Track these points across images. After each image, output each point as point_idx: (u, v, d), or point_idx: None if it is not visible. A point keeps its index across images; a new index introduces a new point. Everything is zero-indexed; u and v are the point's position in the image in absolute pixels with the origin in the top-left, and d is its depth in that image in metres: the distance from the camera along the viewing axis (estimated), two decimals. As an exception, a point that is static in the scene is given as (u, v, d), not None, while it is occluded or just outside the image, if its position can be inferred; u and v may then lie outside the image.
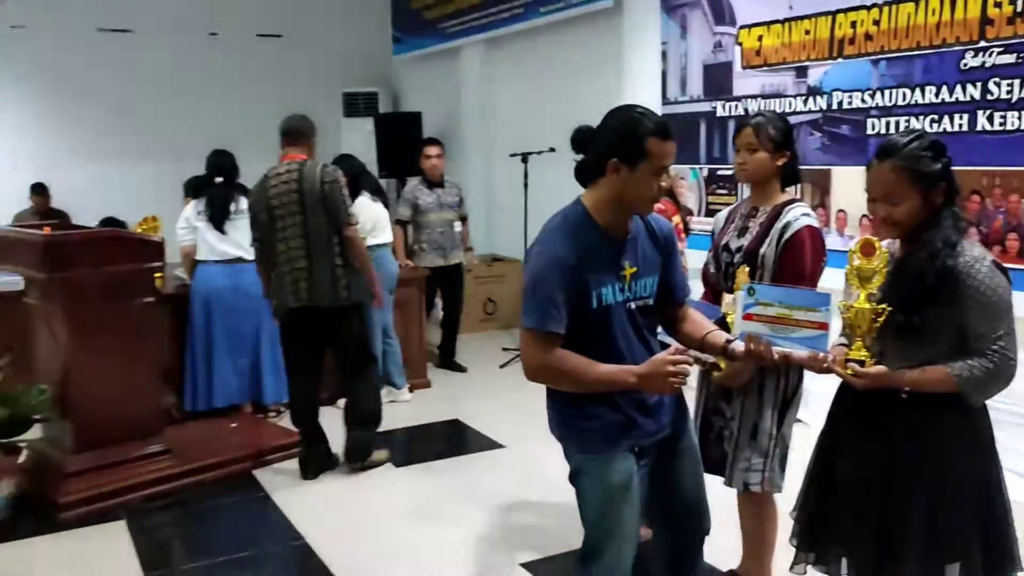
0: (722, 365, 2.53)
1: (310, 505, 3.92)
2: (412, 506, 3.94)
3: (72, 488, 3.83)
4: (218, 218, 4.90)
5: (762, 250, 2.58)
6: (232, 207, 4.93)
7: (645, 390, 2.15)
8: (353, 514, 3.87)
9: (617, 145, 2.10)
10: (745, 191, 3.20)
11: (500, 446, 4.67)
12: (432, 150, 6.09)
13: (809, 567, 2.39)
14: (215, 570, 3.41)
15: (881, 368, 2.08)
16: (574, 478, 2.30)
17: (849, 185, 4.43)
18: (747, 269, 2.54)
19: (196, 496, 4.04)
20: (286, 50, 9.62)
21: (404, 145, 8.64)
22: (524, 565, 3.31)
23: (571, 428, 2.26)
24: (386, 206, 5.48)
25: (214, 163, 5.04)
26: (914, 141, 2.11)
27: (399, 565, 3.37)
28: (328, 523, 3.74)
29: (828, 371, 2.18)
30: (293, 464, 4.34)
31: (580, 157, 2.37)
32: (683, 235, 3.35)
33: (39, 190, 8.18)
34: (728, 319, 2.51)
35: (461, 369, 6.20)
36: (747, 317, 2.27)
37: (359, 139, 9.32)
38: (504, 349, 6.65)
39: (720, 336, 2.29)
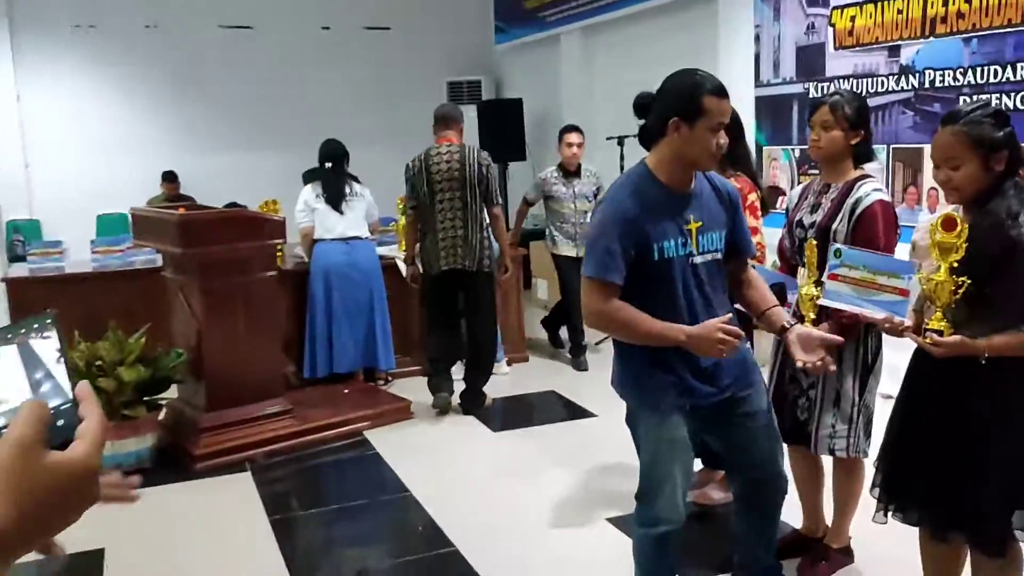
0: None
1: (415, 463, 4.26)
2: (508, 467, 4.23)
3: (205, 442, 4.28)
4: (335, 200, 5.29)
5: (834, 225, 2.73)
6: (347, 190, 5.32)
7: (692, 350, 2.30)
8: (454, 472, 4.19)
9: (677, 105, 2.28)
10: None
11: (592, 415, 4.91)
12: (573, 137, 5.82)
13: (889, 516, 2.54)
14: (331, 516, 3.79)
15: (958, 337, 2.17)
16: (630, 425, 2.53)
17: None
18: (815, 243, 2.68)
19: (313, 452, 4.44)
20: (393, 42, 10.03)
21: (506, 131, 8.96)
22: (609, 520, 3.55)
23: (628, 384, 2.49)
24: None
25: (325, 151, 5.44)
26: (978, 109, 2.24)
27: (495, 517, 3.66)
28: (432, 480, 4.06)
29: (902, 336, 2.33)
30: (401, 427, 4.72)
31: (642, 122, 2.51)
32: (758, 213, 3.49)
33: (169, 177, 8.83)
34: (803, 291, 2.67)
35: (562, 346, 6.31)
36: (832, 277, 2.45)
37: (463, 125, 9.67)
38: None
39: (780, 317, 2.47)
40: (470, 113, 9.46)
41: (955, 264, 2.18)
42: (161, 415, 4.44)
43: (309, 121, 9.26)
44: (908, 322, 2.30)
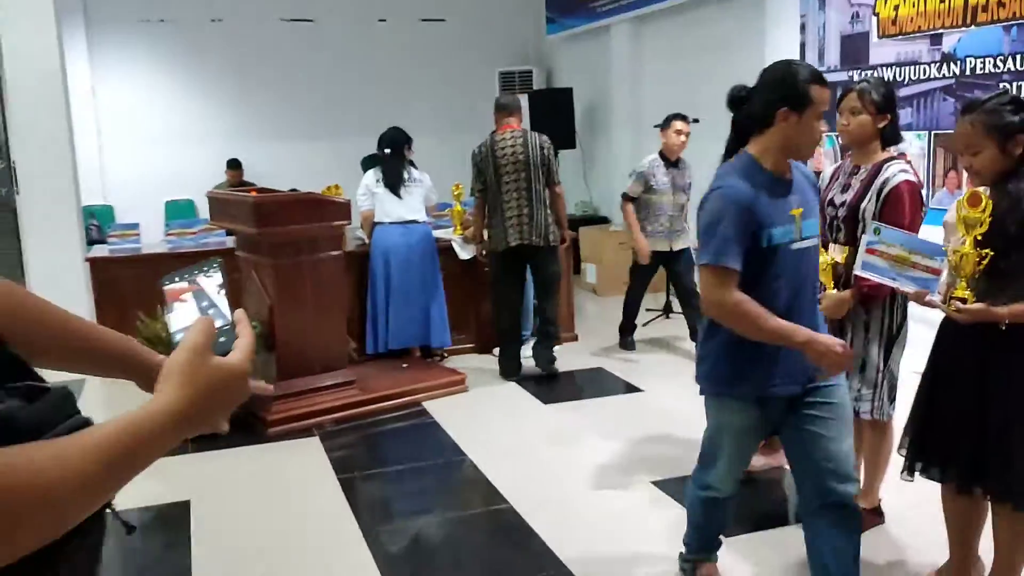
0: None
1: (471, 430, 4.54)
2: (557, 435, 4.50)
3: (277, 409, 4.60)
4: (394, 185, 5.58)
5: (863, 204, 2.93)
6: (405, 176, 5.60)
7: (807, 355, 2.29)
8: (507, 439, 4.46)
9: (785, 95, 2.31)
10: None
11: (639, 390, 5.14)
12: (680, 125, 5.67)
13: (916, 475, 2.74)
14: (393, 476, 4.10)
15: (981, 305, 2.39)
16: (705, 394, 2.62)
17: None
18: (846, 201, 2.89)
19: (375, 420, 4.74)
20: (447, 33, 10.30)
21: (556, 120, 9.18)
22: (653, 482, 3.79)
23: (712, 360, 2.53)
24: None
25: (387, 138, 5.72)
26: (994, 98, 2.44)
27: (545, 479, 3.92)
28: (486, 445, 4.33)
29: (929, 305, 2.54)
30: (456, 398, 5.01)
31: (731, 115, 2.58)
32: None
33: (233, 164, 9.23)
34: (824, 259, 2.89)
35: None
36: (870, 251, 2.65)
37: (514, 114, 9.92)
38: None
39: None
40: (522, 102, 9.75)
41: (979, 237, 2.39)
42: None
43: (366, 110, 9.61)
44: (937, 297, 2.50)
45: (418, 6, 10.20)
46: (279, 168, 9.20)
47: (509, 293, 5.41)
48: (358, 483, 3.98)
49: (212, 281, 1.07)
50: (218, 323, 1.01)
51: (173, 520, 3.59)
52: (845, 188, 3.03)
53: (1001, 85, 4.47)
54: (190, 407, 0.91)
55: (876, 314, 2.95)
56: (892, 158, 2.97)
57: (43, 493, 0.76)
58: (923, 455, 2.72)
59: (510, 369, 5.44)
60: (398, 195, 5.56)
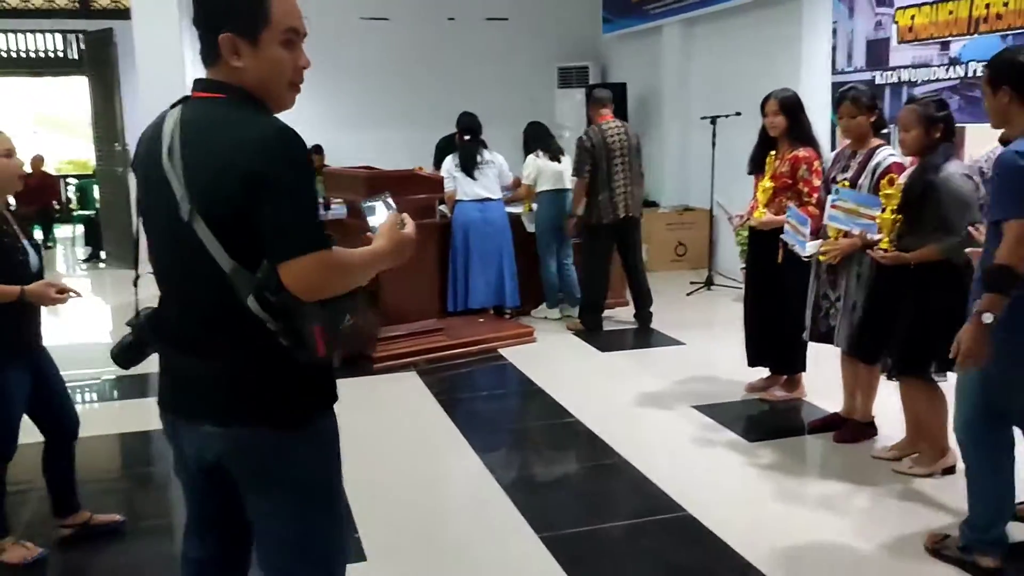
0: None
1: (539, 369, 5.46)
2: (612, 373, 5.42)
3: (382, 348, 5.57)
4: (468, 168, 6.50)
5: (860, 181, 3.80)
6: (479, 159, 6.52)
7: None
8: (570, 376, 5.38)
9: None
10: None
11: (681, 343, 6.04)
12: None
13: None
14: (480, 400, 5.11)
15: (894, 252, 3.41)
16: None
17: (980, 139, 5.37)
18: (848, 180, 3.79)
19: (461, 361, 5.70)
20: (510, 31, 11.21)
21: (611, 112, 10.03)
22: (694, 407, 4.68)
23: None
24: (557, 161, 6.72)
25: (464, 124, 6.65)
26: (929, 96, 3.36)
27: (603, 403, 4.82)
28: (551, 378, 5.26)
29: (868, 247, 3.50)
30: (526, 346, 5.96)
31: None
32: (820, 175, 4.49)
33: (317, 150, 10.22)
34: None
35: None
36: (833, 207, 3.64)
37: (571, 108, 10.81)
38: (691, 283, 7.92)
39: None
40: (577, 96, 10.65)
41: (894, 207, 3.40)
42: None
43: (435, 101, 10.57)
44: (877, 236, 3.43)
45: (483, 6, 11.11)
46: (357, 152, 10.12)
47: (605, 265, 6.43)
48: (453, 404, 4.92)
49: (389, 199, 2.00)
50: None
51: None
52: (845, 168, 3.90)
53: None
54: (390, 248, 1.83)
55: (866, 266, 3.80)
56: (882, 144, 3.84)
57: (354, 269, 1.74)
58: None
59: (594, 323, 6.41)
60: (473, 177, 6.48)
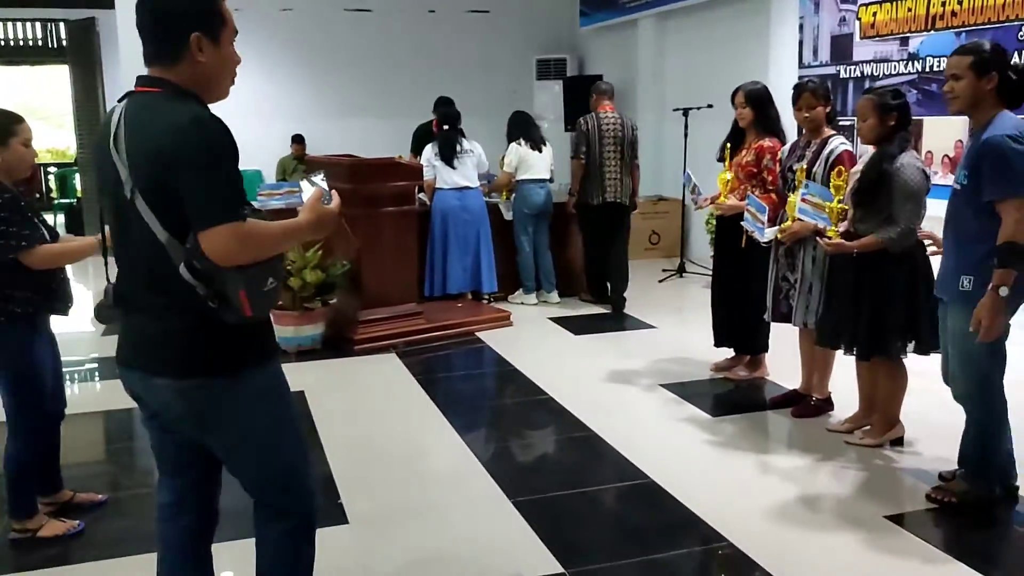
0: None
1: (515, 350, 5.67)
2: (585, 354, 5.64)
3: (362, 331, 5.75)
4: (448, 158, 6.68)
5: (814, 169, 4.02)
6: (458, 148, 6.70)
7: None
8: (544, 356, 5.59)
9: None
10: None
11: (652, 327, 6.26)
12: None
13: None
14: (458, 379, 5.31)
15: (838, 241, 3.62)
16: None
17: (936, 131, 5.63)
18: (804, 167, 4.00)
19: (439, 344, 5.89)
20: (490, 23, 11.39)
21: (588, 104, 10.21)
22: (662, 385, 4.90)
23: None
24: (539, 151, 6.95)
25: (442, 112, 6.83)
26: (884, 87, 3.56)
27: (575, 380, 5.03)
28: (526, 358, 5.47)
29: (819, 234, 3.76)
30: (503, 330, 6.17)
31: None
32: None
33: (298, 139, 10.37)
34: (787, 211, 4.05)
35: None
36: (803, 200, 3.80)
37: (549, 98, 11.01)
38: (664, 270, 8.15)
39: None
40: (555, 87, 10.85)
41: (841, 197, 3.62)
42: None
43: (416, 92, 10.66)
44: (828, 229, 3.69)
45: (464, -1, 11.31)
46: (338, 142, 10.24)
47: (598, 243, 6.79)
48: (433, 383, 5.12)
49: (320, 177, 2.22)
50: (325, 191, 2.17)
51: (296, 404, 4.73)
52: (800, 158, 4.12)
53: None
54: (310, 220, 2.07)
55: (821, 249, 4.03)
56: (833, 134, 4.06)
57: (269, 239, 1.94)
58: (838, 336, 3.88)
59: (599, 293, 6.94)
60: (452, 166, 6.66)
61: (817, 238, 3.81)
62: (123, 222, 2.00)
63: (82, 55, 9.92)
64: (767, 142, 4.55)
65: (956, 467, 3.43)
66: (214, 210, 1.87)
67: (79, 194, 11.35)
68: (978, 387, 3.23)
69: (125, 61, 8.06)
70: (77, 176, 11.50)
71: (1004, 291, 2.92)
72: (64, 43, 10.24)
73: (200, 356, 2.00)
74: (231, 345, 2.01)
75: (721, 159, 4.74)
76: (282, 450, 2.15)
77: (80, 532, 3.23)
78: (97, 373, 5.45)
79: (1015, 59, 5.08)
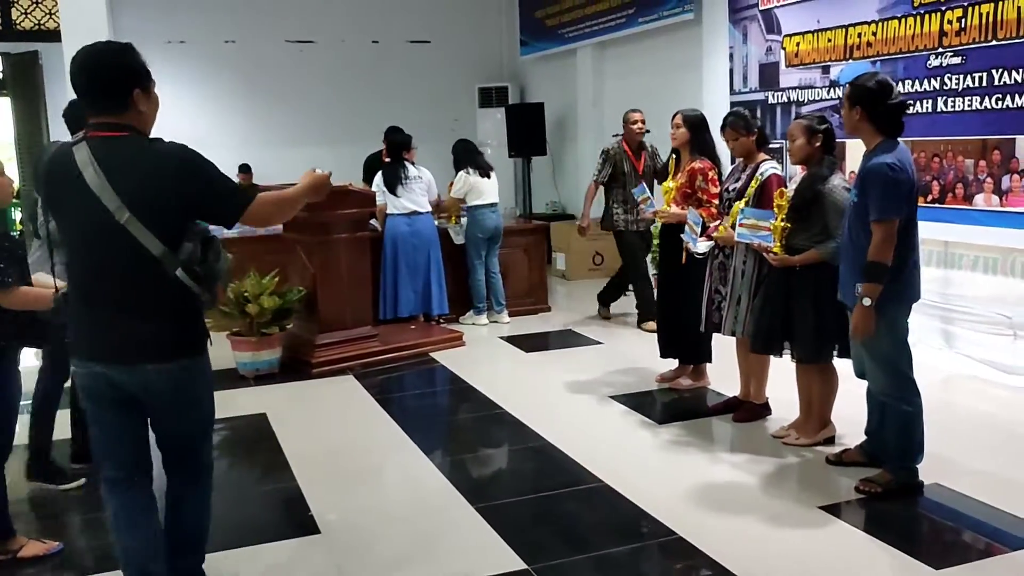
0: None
1: (469, 369, 5.87)
2: (537, 370, 5.90)
3: (319, 354, 5.90)
4: (392, 185, 6.88)
5: (749, 190, 4.35)
6: (402, 175, 6.90)
7: None
8: (497, 374, 5.83)
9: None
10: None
11: (599, 343, 6.53)
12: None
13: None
14: (417, 397, 5.54)
15: (782, 255, 3.95)
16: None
17: (858, 153, 6.00)
18: (740, 204, 4.30)
19: (395, 365, 6.07)
20: (432, 53, 11.67)
21: (529, 131, 10.59)
22: (611, 396, 5.16)
23: None
24: (487, 177, 7.16)
25: (389, 141, 7.05)
26: (813, 114, 3.91)
27: (530, 395, 5.26)
28: (480, 376, 5.68)
29: (765, 252, 4.03)
30: (456, 350, 6.38)
31: None
32: (717, 183, 5.04)
33: (244, 169, 10.45)
34: (720, 229, 4.38)
35: None
36: (741, 225, 4.11)
37: (492, 126, 11.31)
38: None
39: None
40: (497, 115, 11.16)
41: (783, 216, 3.94)
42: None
43: (360, 121, 10.93)
44: (771, 244, 3.96)
45: (406, 29, 11.55)
46: (284, 171, 10.34)
47: (625, 260, 6.99)
48: (391, 401, 5.30)
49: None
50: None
51: (259, 426, 4.86)
52: (736, 180, 4.46)
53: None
54: (309, 184, 2.65)
55: (751, 263, 4.35)
56: (765, 159, 4.40)
57: (288, 199, 2.69)
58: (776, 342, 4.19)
59: (648, 314, 6.75)
60: (395, 194, 6.86)
61: (764, 254, 4.11)
62: (108, 244, 2.42)
63: (24, 87, 9.90)
64: (698, 163, 4.88)
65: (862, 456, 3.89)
66: (242, 197, 2.51)
67: (18, 227, 11.22)
68: (892, 381, 3.60)
69: (73, 95, 8.09)
70: (15, 210, 11.38)
71: (867, 302, 3.39)
72: (4, 76, 10.19)
73: (184, 342, 2.54)
74: (200, 331, 2.59)
75: (664, 175, 5.09)
76: (212, 410, 2.75)
77: (60, 552, 3.32)
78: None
79: (926, 86, 5.50)
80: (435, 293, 6.96)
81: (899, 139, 3.51)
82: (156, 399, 2.56)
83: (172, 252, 2.42)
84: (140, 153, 2.43)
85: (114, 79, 2.44)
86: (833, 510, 3.53)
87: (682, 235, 4.71)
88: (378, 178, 7.00)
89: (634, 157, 6.80)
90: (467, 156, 7.25)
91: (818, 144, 3.94)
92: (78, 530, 3.66)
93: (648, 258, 6.89)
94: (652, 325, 6.39)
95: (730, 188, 4.50)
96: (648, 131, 6.94)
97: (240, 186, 2.60)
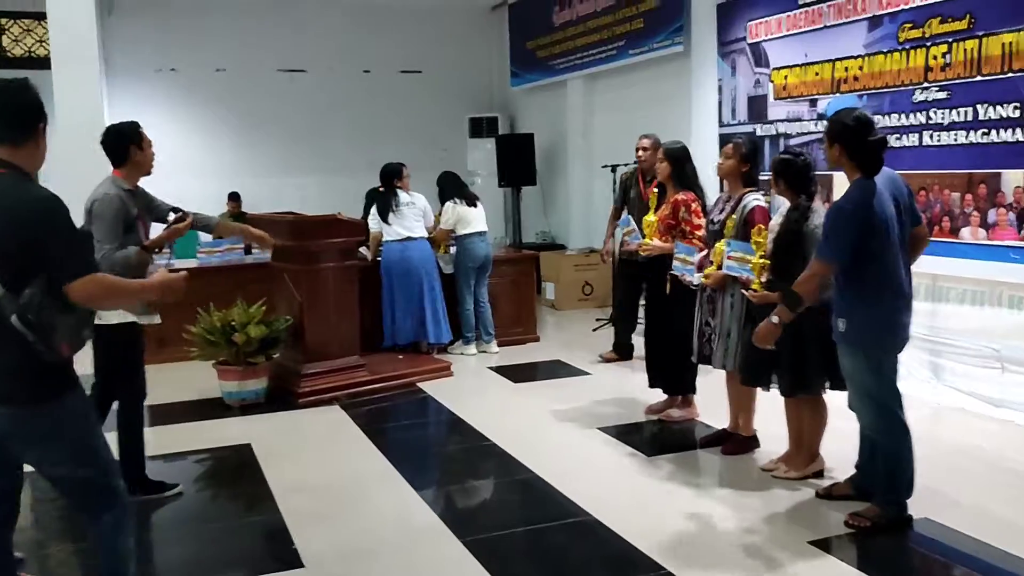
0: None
1: (456, 400, 5.83)
2: (523, 400, 5.86)
3: (305, 384, 5.85)
4: (384, 213, 6.89)
5: (731, 221, 4.36)
6: (394, 204, 6.90)
7: None
8: (485, 405, 5.77)
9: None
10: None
11: (588, 374, 6.50)
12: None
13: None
14: (404, 429, 5.48)
15: (762, 292, 3.94)
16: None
17: (844, 186, 6.04)
18: (722, 244, 4.30)
19: (382, 395, 6.02)
20: (424, 83, 11.73)
21: (519, 160, 10.63)
22: (599, 428, 5.12)
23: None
24: (474, 206, 7.17)
25: (381, 173, 7.06)
26: (789, 148, 3.99)
27: (517, 427, 5.22)
28: (468, 407, 5.63)
29: (745, 286, 4.07)
30: (444, 380, 6.33)
31: None
32: (700, 215, 5.04)
33: (234, 197, 10.44)
34: (708, 269, 4.39)
35: None
36: (729, 257, 4.11)
37: (482, 156, 11.35)
38: (597, 319, 8.42)
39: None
40: (488, 145, 11.21)
41: (762, 252, 3.96)
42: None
43: (352, 150, 11.00)
44: (753, 276, 3.99)
45: (398, 59, 11.62)
46: (274, 199, 10.38)
47: (620, 292, 6.89)
48: (378, 432, 5.23)
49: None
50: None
51: (243, 457, 4.80)
52: (721, 211, 4.47)
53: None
54: (157, 285, 2.71)
55: (738, 297, 4.34)
56: (751, 191, 4.41)
57: (123, 289, 2.64)
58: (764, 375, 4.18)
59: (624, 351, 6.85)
60: (387, 221, 6.87)
61: (743, 290, 4.13)
62: None
63: (14, 115, 9.88)
64: (681, 195, 4.88)
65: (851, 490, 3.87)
66: (79, 265, 2.42)
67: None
68: (880, 417, 3.59)
69: (61, 119, 8.08)
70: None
71: (775, 319, 3.62)
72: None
73: (31, 386, 2.47)
74: (52, 376, 2.50)
75: (645, 206, 5.09)
76: (99, 451, 2.65)
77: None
78: None
79: (911, 120, 5.55)
80: (429, 320, 6.92)
81: (884, 170, 3.52)
82: (9, 442, 2.56)
83: (13, 295, 2.36)
84: (5, 191, 2.42)
85: (23, 108, 2.49)
86: (823, 545, 3.49)
87: (672, 271, 4.69)
88: (373, 208, 7.00)
89: (643, 184, 6.47)
90: (453, 187, 7.27)
91: (744, 170, 4.31)
92: (75, 555, 3.59)
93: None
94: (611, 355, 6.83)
95: (715, 220, 4.50)
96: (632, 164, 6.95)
97: (90, 256, 2.68)
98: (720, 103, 7.42)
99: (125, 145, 4.04)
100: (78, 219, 3.03)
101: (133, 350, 4.12)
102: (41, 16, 8.74)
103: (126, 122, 4.14)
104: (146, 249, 4.07)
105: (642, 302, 6.66)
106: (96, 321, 3.61)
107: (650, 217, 4.96)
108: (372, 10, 11.26)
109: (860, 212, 3.41)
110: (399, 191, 6.98)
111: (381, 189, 7.06)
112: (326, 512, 4.00)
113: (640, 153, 6.43)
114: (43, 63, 9.08)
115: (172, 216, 4.31)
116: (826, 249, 3.50)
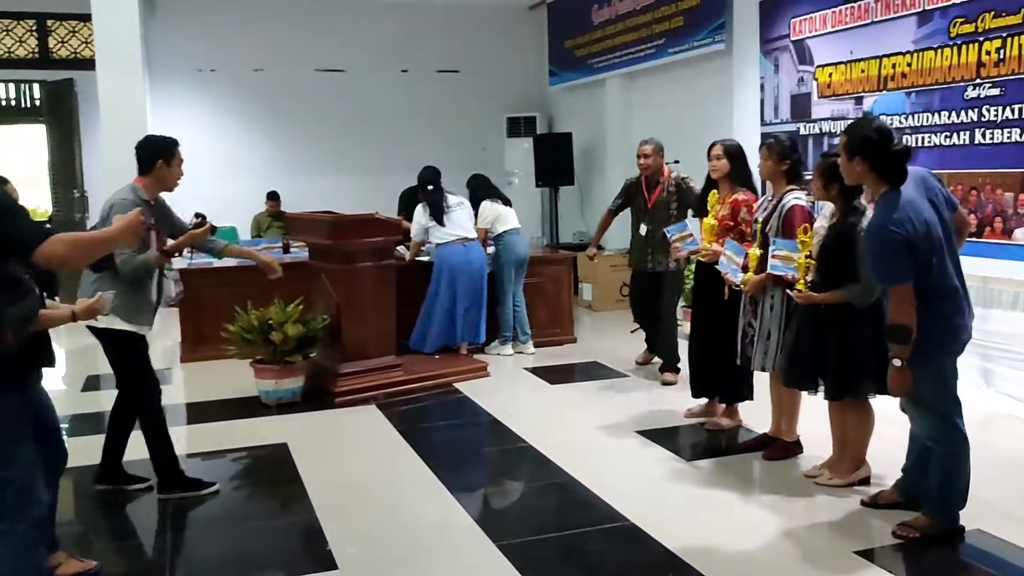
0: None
1: (493, 401, 5.78)
2: (562, 404, 5.78)
3: (342, 384, 5.83)
4: (438, 216, 6.83)
5: (771, 221, 4.26)
6: (445, 205, 6.85)
7: None
8: (522, 406, 5.71)
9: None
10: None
11: (625, 375, 6.42)
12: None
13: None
14: (441, 429, 5.43)
15: (807, 293, 3.84)
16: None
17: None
18: (756, 251, 4.22)
19: (418, 395, 5.99)
20: (461, 82, 11.71)
21: (557, 160, 10.56)
22: (637, 431, 5.04)
23: None
24: (509, 205, 7.20)
25: (423, 177, 7.00)
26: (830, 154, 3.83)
27: (553, 428, 5.16)
28: (505, 410, 5.56)
29: (789, 286, 3.96)
30: (481, 380, 6.29)
31: None
32: None
33: (272, 196, 10.50)
34: (746, 276, 4.32)
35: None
36: (773, 256, 4.01)
37: (520, 155, 11.30)
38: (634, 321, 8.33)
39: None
40: (525, 144, 11.15)
41: (807, 252, 3.85)
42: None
43: (388, 149, 11.02)
44: (798, 275, 3.88)
45: (435, 59, 11.61)
46: (312, 199, 10.39)
47: (635, 300, 6.66)
48: (414, 433, 5.19)
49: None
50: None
51: (279, 456, 4.79)
52: (765, 210, 4.37)
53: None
54: (117, 230, 2.71)
55: (779, 297, 4.24)
56: (792, 189, 4.30)
57: (87, 241, 2.74)
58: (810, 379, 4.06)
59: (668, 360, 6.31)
60: (442, 224, 6.81)
61: (787, 290, 4.02)
62: None
63: (59, 114, 10.04)
64: (741, 195, 4.76)
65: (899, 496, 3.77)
66: (38, 232, 2.55)
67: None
68: (938, 428, 3.45)
69: (106, 120, 8.19)
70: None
71: (897, 363, 3.27)
72: (40, 103, 10.34)
73: None
74: None
75: (702, 210, 4.93)
76: (18, 458, 2.70)
77: (96, 573, 3.29)
78: (73, 428, 5.48)
79: (963, 118, 5.39)
80: (480, 321, 6.90)
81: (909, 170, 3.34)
82: None
83: None
84: None
85: None
86: (868, 555, 3.39)
87: (718, 266, 4.58)
88: (420, 212, 6.91)
89: (646, 191, 6.26)
90: (485, 188, 7.24)
91: (784, 168, 4.26)
92: (114, 552, 3.63)
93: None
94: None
95: (759, 219, 4.40)
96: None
97: (40, 226, 2.72)
98: (762, 101, 7.29)
99: (154, 157, 4.05)
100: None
101: (133, 355, 4.08)
102: (86, 17, 8.86)
103: (166, 137, 4.16)
104: (165, 254, 4.16)
105: (681, 304, 6.59)
106: (95, 324, 3.76)
107: (710, 220, 4.81)
108: (410, 10, 11.26)
109: (905, 222, 3.17)
110: (448, 194, 6.93)
111: (430, 188, 6.95)
112: (360, 514, 3.96)
113: (642, 160, 6.23)
114: (88, 64, 9.21)
115: (195, 220, 4.37)
116: (892, 273, 3.23)
